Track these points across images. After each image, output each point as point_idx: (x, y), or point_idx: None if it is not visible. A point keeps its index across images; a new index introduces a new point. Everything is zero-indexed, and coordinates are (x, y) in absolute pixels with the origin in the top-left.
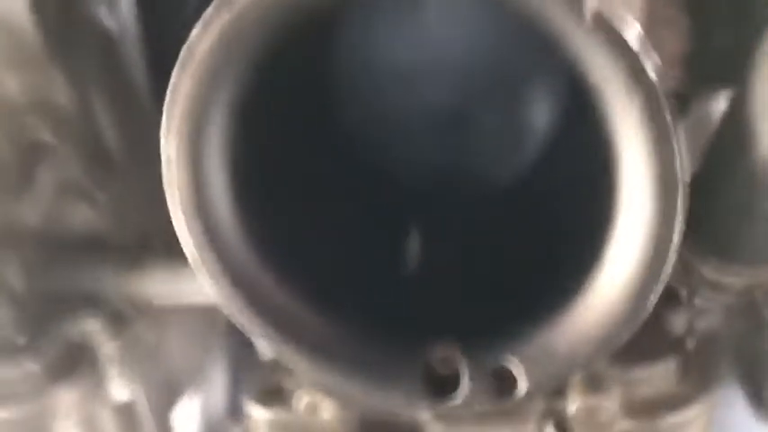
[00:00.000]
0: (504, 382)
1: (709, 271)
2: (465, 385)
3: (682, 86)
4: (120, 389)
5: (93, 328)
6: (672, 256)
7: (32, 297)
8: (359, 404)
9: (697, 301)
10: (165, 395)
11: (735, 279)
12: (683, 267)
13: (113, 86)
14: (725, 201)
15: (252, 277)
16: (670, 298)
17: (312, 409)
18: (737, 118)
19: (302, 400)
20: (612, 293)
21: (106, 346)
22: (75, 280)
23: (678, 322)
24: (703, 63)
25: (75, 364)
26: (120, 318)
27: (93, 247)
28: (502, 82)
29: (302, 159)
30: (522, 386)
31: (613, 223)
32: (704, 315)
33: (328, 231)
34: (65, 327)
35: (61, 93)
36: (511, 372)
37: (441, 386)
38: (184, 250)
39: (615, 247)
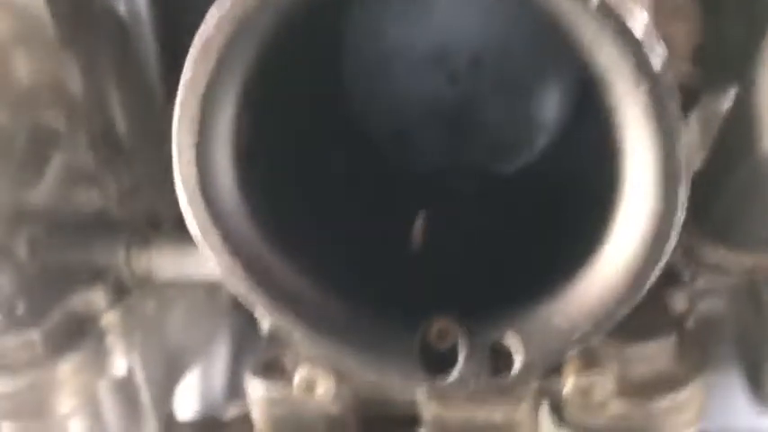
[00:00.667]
0: (501, 360)
1: (711, 253)
2: (462, 361)
3: (693, 79)
4: (118, 360)
5: (94, 299)
6: (673, 238)
7: (37, 269)
8: (356, 378)
9: (698, 283)
10: (166, 371)
11: (736, 262)
12: (686, 249)
13: (125, 72)
14: (729, 188)
15: (253, 251)
16: (671, 278)
17: (308, 385)
18: (744, 109)
19: (298, 375)
20: (613, 272)
21: (106, 317)
22: (81, 255)
23: (678, 302)
24: (715, 57)
25: (76, 334)
26: (122, 289)
27: (101, 225)
28: (511, 69)
29: (309, 141)
30: (519, 363)
31: (617, 206)
32: (705, 296)
33: (332, 209)
34: (68, 298)
35: (74, 78)
36: (508, 348)
37: (438, 363)
38: (188, 226)
39: (618, 227)
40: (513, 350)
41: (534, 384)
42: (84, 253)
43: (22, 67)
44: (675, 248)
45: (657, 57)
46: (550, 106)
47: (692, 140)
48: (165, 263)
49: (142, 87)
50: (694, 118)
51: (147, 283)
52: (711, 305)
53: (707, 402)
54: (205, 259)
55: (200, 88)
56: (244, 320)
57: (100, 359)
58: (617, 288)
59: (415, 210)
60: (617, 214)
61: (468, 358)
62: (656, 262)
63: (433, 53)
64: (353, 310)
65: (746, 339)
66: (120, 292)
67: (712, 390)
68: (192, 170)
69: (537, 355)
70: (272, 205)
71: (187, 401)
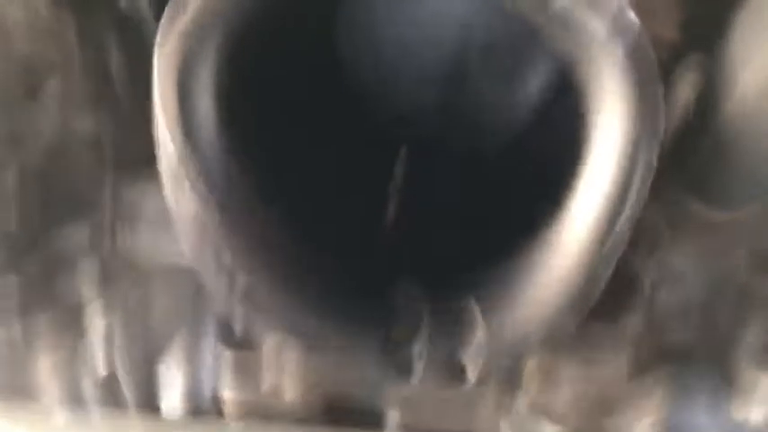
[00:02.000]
0: (458, 368)
1: (693, 207)
2: (421, 368)
3: (675, 46)
4: (100, 347)
5: (79, 240)
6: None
7: (26, 200)
8: (324, 384)
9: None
10: (148, 360)
11: (715, 217)
12: (670, 202)
13: (126, 36)
14: (705, 144)
15: (228, 187)
16: (629, 287)
17: (276, 390)
18: (716, 70)
19: (268, 380)
20: (563, 271)
21: (90, 305)
22: (72, 188)
23: (636, 315)
24: (692, 25)
25: (54, 284)
26: (104, 228)
27: (93, 159)
28: (497, 48)
29: (294, 99)
30: (474, 372)
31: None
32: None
33: (309, 174)
34: (52, 237)
35: (70, 30)
36: (463, 357)
37: (398, 369)
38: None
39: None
40: (469, 359)
41: (492, 396)
42: (74, 187)
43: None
44: (656, 203)
45: (630, 21)
46: (532, 86)
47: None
48: (152, 198)
49: (141, 47)
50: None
51: (129, 267)
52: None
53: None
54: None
55: (177, 38)
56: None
57: (82, 348)
58: (568, 289)
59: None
60: (581, 176)
61: (427, 366)
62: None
63: (422, 24)
64: (315, 309)
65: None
66: (102, 232)
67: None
68: (172, 92)
69: (491, 363)
70: (250, 153)
71: (175, 393)
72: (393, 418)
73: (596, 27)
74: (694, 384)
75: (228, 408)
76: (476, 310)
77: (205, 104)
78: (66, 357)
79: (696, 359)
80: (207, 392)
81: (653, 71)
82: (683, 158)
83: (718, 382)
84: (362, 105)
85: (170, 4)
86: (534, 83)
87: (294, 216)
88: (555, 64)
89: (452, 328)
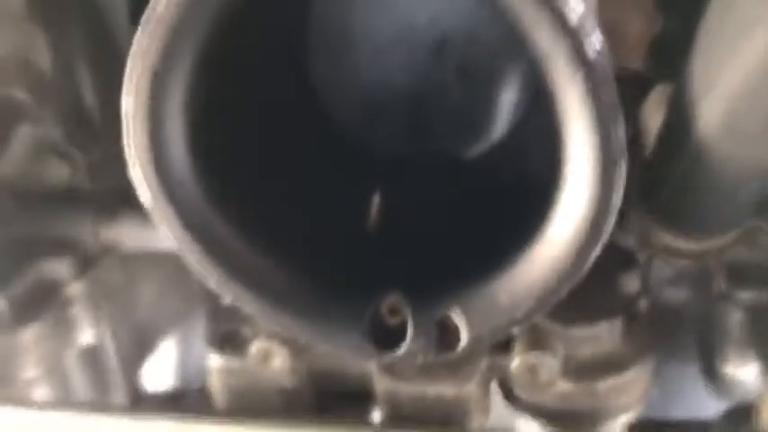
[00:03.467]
0: (448, 335)
1: (661, 239)
2: (410, 336)
3: (646, 68)
4: (85, 331)
5: (60, 269)
6: (611, 219)
7: (4, 239)
8: (311, 351)
9: (653, 266)
10: (135, 343)
11: (685, 247)
12: (640, 234)
13: (96, 47)
14: (673, 174)
15: (205, 221)
16: (625, 262)
17: (263, 356)
18: (680, 99)
19: (254, 347)
20: (555, 252)
21: (72, 288)
22: (48, 227)
23: (631, 285)
24: (663, 47)
25: (40, 304)
26: (88, 262)
27: (69, 198)
28: (474, 55)
29: (268, 116)
30: (465, 338)
31: (560, 189)
32: (662, 282)
33: (289, 185)
34: (33, 268)
35: (42, 53)
36: (454, 323)
37: (388, 338)
38: (140, 195)
39: (560, 208)
40: (459, 326)
41: (483, 362)
42: (51, 225)
43: None
44: (629, 233)
45: (594, 44)
46: (510, 93)
47: (647, 127)
48: (131, 236)
49: (113, 62)
50: (648, 105)
51: (113, 256)
52: (672, 294)
53: (672, 392)
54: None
55: (152, 58)
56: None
57: (65, 329)
58: (559, 267)
59: (371, 189)
60: (559, 196)
61: (416, 333)
62: (595, 242)
63: (398, 36)
64: (306, 284)
65: (700, 326)
66: (86, 265)
67: (677, 380)
68: (145, 139)
69: (482, 330)
70: (225, 177)
71: (164, 375)
72: (381, 385)
73: (568, 19)
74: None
75: (215, 378)
76: (468, 282)
77: (177, 140)
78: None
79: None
80: (195, 370)
81: (614, 92)
82: (651, 189)
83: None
84: (340, 119)
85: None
86: (510, 89)
87: (273, 236)
88: (528, 71)
89: (444, 297)
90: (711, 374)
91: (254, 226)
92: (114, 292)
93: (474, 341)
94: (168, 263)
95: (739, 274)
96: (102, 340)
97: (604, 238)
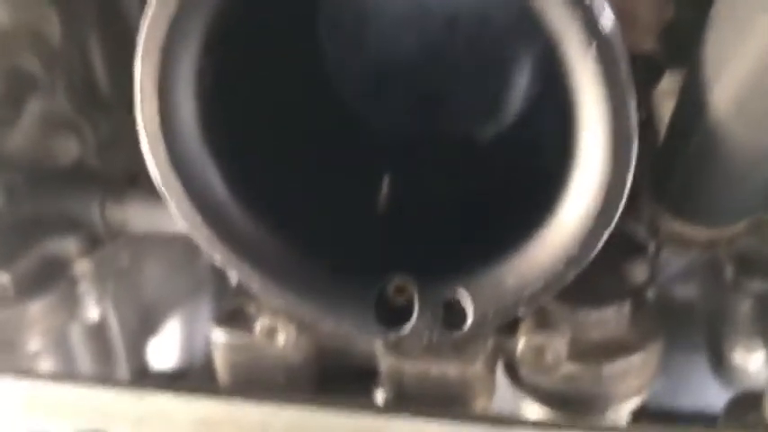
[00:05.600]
0: (454, 315)
1: (671, 227)
2: (416, 314)
3: (657, 53)
4: (90, 306)
5: (67, 247)
6: (621, 200)
7: (13, 216)
8: (316, 329)
9: (663, 254)
10: (140, 321)
11: (694, 235)
12: (649, 222)
13: (108, 24)
14: (682, 163)
15: (214, 198)
16: (635, 249)
17: (269, 333)
18: (691, 87)
19: (260, 324)
20: (564, 234)
21: (79, 265)
22: (57, 205)
23: (639, 273)
24: (675, 34)
25: (47, 279)
26: (95, 240)
27: (77, 177)
28: (486, 36)
29: (280, 94)
30: (470, 318)
31: (571, 170)
32: (671, 271)
33: (300, 165)
34: (41, 245)
35: (54, 28)
36: (460, 304)
37: (394, 317)
38: (149, 170)
39: (571, 190)
40: (465, 306)
41: (489, 342)
42: (59, 203)
43: (1, 12)
44: (639, 221)
45: (607, 20)
46: (523, 74)
47: (659, 113)
48: (138, 216)
49: (125, 39)
50: (659, 92)
51: (120, 235)
52: (683, 287)
53: (680, 384)
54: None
55: (163, 27)
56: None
57: (71, 304)
58: (567, 250)
59: (382, 172)
60: (571, 177)
61: (422, 312)
62: (605, 225)
63: (409, 13)
64: (314, 263)
65: (709, 316)
66: (93, 243)
67: (686, 371)
68: (154, 111)
69: (488, 311)
70: (236, 153)
71: (169, 354)
72: (386, 364)
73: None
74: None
75: (219, 354)
76: (475, 263)
77: (187, 114)
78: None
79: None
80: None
81: (628, 68)
82: (661, 176)
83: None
84: (351, 98)
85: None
86: (522, 70)
87: (282, 215)
88: (541, 52)
89: (451, 278)
90: (719, 364)
91: (264, 205)
92: (121, 271)
93: (479, 322)
94: (176, 244)
95: (749, 264)
96: (107, 317)
97: (614, 221)
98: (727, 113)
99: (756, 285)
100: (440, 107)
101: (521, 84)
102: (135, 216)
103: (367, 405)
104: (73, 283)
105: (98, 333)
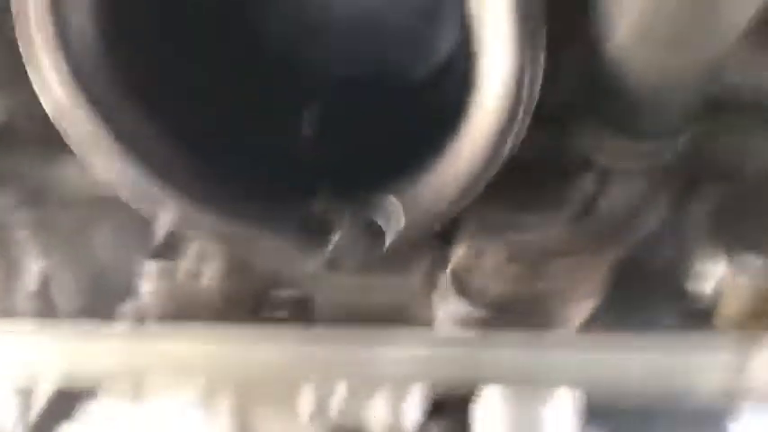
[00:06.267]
0: (378, 227)
1: (615, 140)
2: (342, 227)
3: None
4: (31, 269)
5: (7, 203)
6: (523, 102)
7: None
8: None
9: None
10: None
11: (639, 147)
12: (594, 137)
13: None
14: (603, 81)
15: (118, 113)
16: (581, 164)
17: (200, 257)
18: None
19: (191, 250)
20: (474, 142)
21: (17, 224)
22: None
23: (587, 182)
24: None
25: None
26: (29, 197)
27: (7, 137)
28: None
29: (197, 26)
30: (393, 229)
31: (477, 78)
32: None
33: (218, 87)
34: None
35: None
36: (384, 216)
37: (321, 232)
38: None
39: (477, 98)
40: (390, 219)
41: (426, 254)
42: None
43: None
44: (583, 136)
45: None
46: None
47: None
48: (71, 178)
49: None
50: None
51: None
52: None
53: None
54: None
55: None
56: None
57: (14, 267)
58: (478, 157)
59: (312, 102)
60: (477, 84)
61: (347, 226)
62: (511, 127)
63: None
64: (238, 185)
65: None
66: (29, 204)
67: None
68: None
69: (410, 223)
70: (142, 70)
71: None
72: (322, 281)
73: None
74: None
75: (147, 299)
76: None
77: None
78: None
79: None
80: None
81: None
82: (597, 93)
83: None
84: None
85: None
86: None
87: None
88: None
89: (369, 198)
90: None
91: (179, 128)
92: (64, 234)
93: (404, 233)
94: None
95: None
96: (51, 280)
97: (518, 120)
98: (631, 37)
99: (712, 189)
100: (368, 47)
101: (445, 22)
102: (68, 177)
103: (300, 323)
104: (12, 245)
105: (42, 297)
